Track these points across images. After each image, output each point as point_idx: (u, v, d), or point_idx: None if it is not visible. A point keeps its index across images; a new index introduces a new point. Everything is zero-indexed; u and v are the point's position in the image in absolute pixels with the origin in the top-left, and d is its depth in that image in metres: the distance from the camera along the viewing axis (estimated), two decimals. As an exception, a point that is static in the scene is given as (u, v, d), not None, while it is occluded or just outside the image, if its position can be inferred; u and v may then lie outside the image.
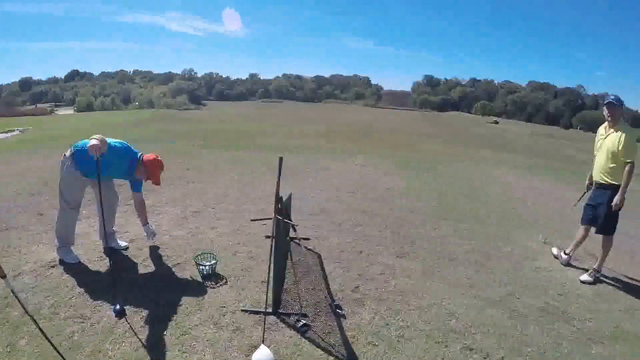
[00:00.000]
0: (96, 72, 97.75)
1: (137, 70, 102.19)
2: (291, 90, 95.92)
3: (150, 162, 3.01)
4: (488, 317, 2.78)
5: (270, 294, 2.50)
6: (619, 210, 3.40)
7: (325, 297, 2.75)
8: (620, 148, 3.33)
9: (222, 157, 8.27)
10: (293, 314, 2.52)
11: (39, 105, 62.08)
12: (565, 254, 3.90)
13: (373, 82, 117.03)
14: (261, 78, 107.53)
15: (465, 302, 2.99)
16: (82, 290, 2.64)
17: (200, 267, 2.91)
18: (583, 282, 3.56)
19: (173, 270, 3.02)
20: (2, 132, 15.19)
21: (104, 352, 2.09)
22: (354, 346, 2.31)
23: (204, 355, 2.14)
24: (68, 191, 2.94)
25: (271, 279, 2.46)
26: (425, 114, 61.05)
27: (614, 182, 3.42)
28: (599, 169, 3.55)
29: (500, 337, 2.56)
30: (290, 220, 2.55)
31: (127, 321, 2.34)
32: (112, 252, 3.13)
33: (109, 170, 2.87)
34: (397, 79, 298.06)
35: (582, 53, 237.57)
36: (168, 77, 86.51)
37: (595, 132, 3.75)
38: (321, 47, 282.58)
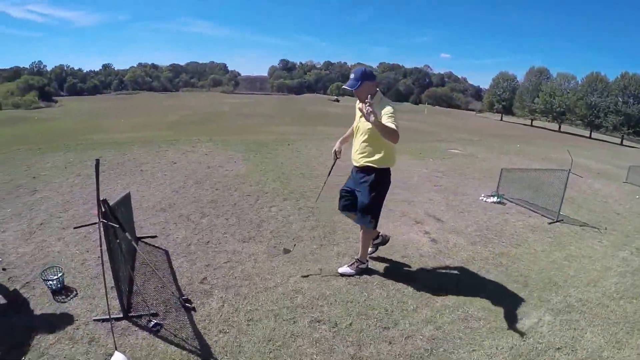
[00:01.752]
0: None
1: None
2: (147, 80, 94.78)
3: None
4: (334, 288, 3.02)
5: (118, 299, 2.48)
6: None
7: (173, 293, 2.79)
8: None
9: (69, 159, 7.27)
10: (144, 315, 2.53)
11: None
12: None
13: (230, 68, 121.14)
14: (115, 69, 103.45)
15: (311, 277, 3.19)
16: None
17: (48, 282, 2.74)
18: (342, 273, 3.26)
19: (22, 291, 2.79)
20: None
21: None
22: (205, 337, 2.40)
23: (63, 373, 2.06)
24: None
25: (119, 283, 2.43)
26: (281, 98, 64.26)
27: (381, 166, 2.98)
28: (361, 153, 3.01)
29: (347, 304, 2.81)
30: (119, 222, 2.49)
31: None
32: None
33: None
34: (254, 64, 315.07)
35: (426, 38, 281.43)
36: (15, 73, 76.27)
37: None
38: (175, 35, 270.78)
